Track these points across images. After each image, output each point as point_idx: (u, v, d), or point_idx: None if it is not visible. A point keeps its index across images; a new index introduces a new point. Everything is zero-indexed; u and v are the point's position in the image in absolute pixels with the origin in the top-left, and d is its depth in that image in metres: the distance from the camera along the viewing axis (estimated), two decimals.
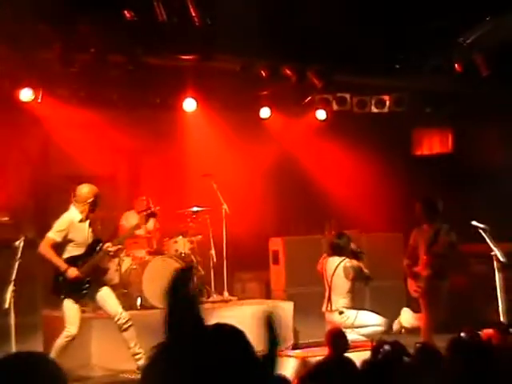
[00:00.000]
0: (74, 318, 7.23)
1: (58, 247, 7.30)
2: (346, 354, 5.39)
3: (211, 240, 9.73)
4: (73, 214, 7.35)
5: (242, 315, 8.72)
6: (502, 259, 7.47)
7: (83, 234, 7.36)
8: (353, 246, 8.55)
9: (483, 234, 7.50)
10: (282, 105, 10.71)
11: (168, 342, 2.11)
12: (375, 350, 4.21)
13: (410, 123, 11.54)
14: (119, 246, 7.79)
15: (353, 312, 8.31)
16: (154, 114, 10.35)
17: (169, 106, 10.18)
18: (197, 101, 9.88)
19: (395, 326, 8.38)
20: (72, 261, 7.28)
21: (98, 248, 7.44)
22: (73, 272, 7.19)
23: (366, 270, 8.46)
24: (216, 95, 10.15)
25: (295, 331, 9.35)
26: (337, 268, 8.31)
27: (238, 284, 10.59)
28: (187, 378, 2.02)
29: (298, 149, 11.35)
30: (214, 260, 9.66)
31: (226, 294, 9.75)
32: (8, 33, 7.52)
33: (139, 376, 2.27)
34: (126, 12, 7.56)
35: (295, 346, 9.10)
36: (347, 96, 10.47)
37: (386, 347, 4.12)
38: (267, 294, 10.36)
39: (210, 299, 9.54)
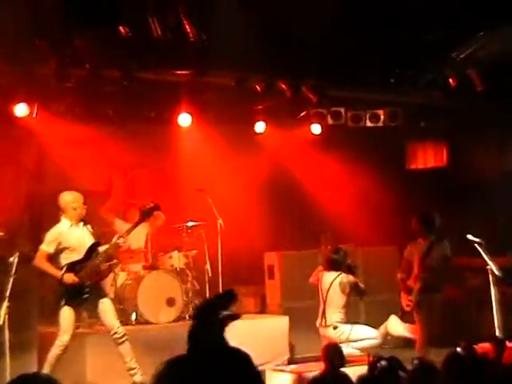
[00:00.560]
0: (68, 326, 7.24)
1: (56, 257, 7.34)
2: (342, 369, 5.39)
3: (206, 255, 9.71)
4: (62, 224, 7.47)
5: (237, 330, 8.70)
6: (497, 273, 7.49)
7: (77, 239, 7.40)
8: (349, 260, 8.58)
9: (478, 247, 7.53)
10: (276, 119, 10.73)
11: (178, 359, 2.10)
12: (372, 366, 4.21)
13: (405, 137, 11.58)
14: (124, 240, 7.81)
15: (347, 326, 8.32)
16: (149, 129, 10.36)
17: (164, 121, 10.19)
18: (192, 115, 9.90)
19: (380, 329, 8.39)
20: (70, 267, 7.32)
21: (96, 251, 7.46)
22: (69, 277, 7.21)
23: (361, 285, 8.47)
24: (211, 110, 10.17)
25: (291, 346, 9.34)
26: (333, 283, 8.32)
27: None
28: None
29: (292, 163, 11.37)
30: (210, 275, 9.64)
31: None
32: (4, 48, 7.54)
33: None
34: (121, 28, 7.59)
35: (291, 361, 9.09)
36: (342, 110, 10.50)
37: (383, 362, 4.13)
38: (262, 309, 10.35)
39: None
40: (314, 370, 6.55)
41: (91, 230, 7.59)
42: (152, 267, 9.60)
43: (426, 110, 10.84)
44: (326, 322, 8.37)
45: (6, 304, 6.92)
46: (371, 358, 5.12)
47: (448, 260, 8.15)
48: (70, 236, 7.40)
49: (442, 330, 8.05)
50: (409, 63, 9.18)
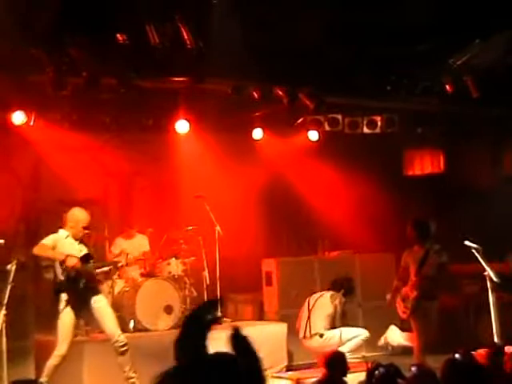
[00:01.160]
0: (66, 335, 7.18)
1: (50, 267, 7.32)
2: None
3: (204, 261, 9.71)
4: (60, 233, 7.41)
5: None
6: (495, 279, 7.49)
7: (72, 249, 7.33)
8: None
9: (476, 254, 7.53)
10: (274, 126, 10.74)
11: (173, 369, 2.17)
12: (370, 373, 4.21)
13: (402, 143, 11.59)
14: (104, 269, 7.82)
15: (336, 331, 8.37)
16: (146, 137, 10.36)
17: (161, 128, 10.19)
18: (189, 122, 9.90)
19: (380, 342, 8.40)
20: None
21: (89, 260, 7.41)
22: (72, 260, 7.14)
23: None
24: (208, 117, 10.18)
25: (289, 353, 9.32)
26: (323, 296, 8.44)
27: (231, 306, 10.56)
28: None
29: (290, 169, 11.38)
30: (207, 282, 9.62)
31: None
32: (0, 56, 7.55)
33: None
34: (118, 35, 7.59)
35: (289, 368, 9.08)
36: (339, 117, 10.51)
37: (381, 369, 4.13)
38: (260, 316, 10.33)
39: None
40: (312, 376, 6.54)
41: (86, 247, 7.53)
42: (150, 274, 9.58)
43: (422, 117, 10.86)
44: (310, 332, 8.40)
45: (3, 312, 6.91)
46: (369, 365, 5.13)
47: (444, 267, 8.15)
48: (65, 245, 7.35)
49: (439, 338, 8.05)
50: (405, 70, 9.20)
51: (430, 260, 7.99)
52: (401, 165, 11.89)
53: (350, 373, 6.22)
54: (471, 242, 7.55)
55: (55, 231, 7.45)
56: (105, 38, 7.63)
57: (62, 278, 7.20)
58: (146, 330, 8.89)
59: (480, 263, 7.55)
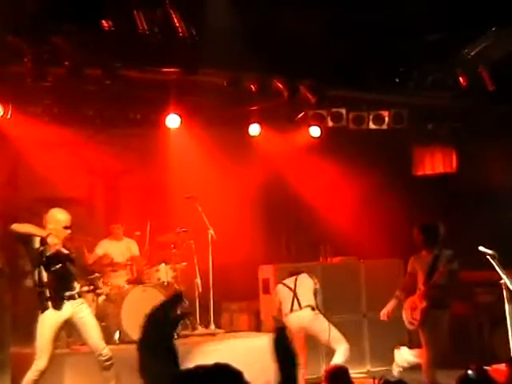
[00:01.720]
0: (45, 346, 7.07)
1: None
2: None
3: (196, 268, 9.69)
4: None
5: (229, 349, 8.66)
6: (511, 288, 7.44)
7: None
8: None
9: (492, 260, 7.47)
10: (272, 121, 10.72)
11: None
12: None
13: (411, 141, 11.56)
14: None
15: (326, 321, 8.46)
16: (133, 132, 10.33)
17: (150, 123, 10.16)
18: (181, 117, 9.86)
19: (395, 371, 8.32)
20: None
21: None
22: (53, 239, 7.06)
23: None
24: (201, 111, 10.15)
25: None
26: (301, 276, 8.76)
27: (225, 315, 10.52)
28: None
29: (289, 168, 11.35)
30: (200, 289, 9.61)
31: (212, 326, 9.67)
32: None
33: None
34: (103, 22, 7.54)
35: None
36: (343, 111, 10.48)
37: None
38: (257, 326, 10.29)
39: (195, 332, 9.45)
40: None
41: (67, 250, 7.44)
42: (137, 281, 9.53)
43: (433, 112, 10.83)
44: (300, 305, 8.46)
45: None
46: (377, 382, 5.06)
47: (455, 274, 8.09)
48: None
49: (450, 351, 8.00)
50: (415, 62, 9.17)
51: (440, 267, 7.94)
52: (410, 164, 11.85)
53: None
54: (486, 247, 7.49)
55: None
56: (89, 24, 7.57)
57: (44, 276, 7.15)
58: (133, 341, 8.81)
59: (495, 270, 7.49)
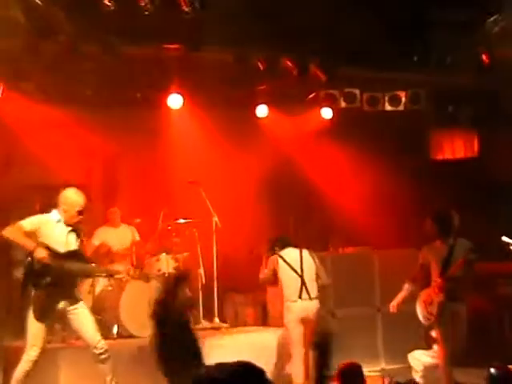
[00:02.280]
0: (36, 336, 7.11)
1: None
2: None
3: (199, 257, 9.70)
4: (51, 215, 7.24)
5: (234, 345, 8.68)
6: None
7: (59, 237, 7.23)
8: None
9: None
10: (281, 102, 10.72)
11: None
12: None
13: (430, 123, 11.54)
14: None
15: None
16: (133, 112, 10.33)
17: (151, 103, 10.18)
18: (183, 97, 9.88)
19: (416, 377, 8.25)
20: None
21: (75, 259, 7.32)
22: (41, 252, 7.05)
23: None
24: (205, 90, 10.14)
25: None
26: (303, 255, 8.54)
27: (230, 308, 10.54)
28: None
29: (299, 152, 11.35)
30: (203, 281, 9.63)
31: (216, 320, 9.70)
32: None
33: None
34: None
35: None
36: (356, 92, 10.49)
37: None
38: (264, 320, 10.31)
39: (198, 326, 9.46)
40: None
41: (78, 238, 7.41)
42: (137, 269, 9.54)
43: (454, 93, 10.79)
44: (309, 295, 8.42)
45: None
46: (387, 382, 5.08)
47: (472, 265, 8.06)
48: (54, 231, 7.25)
49: (469, 347, 7.99)
50: (434, 39, 9.12)
51: (456, 258, 7.91)
52: (428, 148, 11.85)
53: None
54: (509, 237, 7.49)
55: (48, 211, 7.31)
56: None
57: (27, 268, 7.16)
58: (131, 336, 8.86)
59: None
